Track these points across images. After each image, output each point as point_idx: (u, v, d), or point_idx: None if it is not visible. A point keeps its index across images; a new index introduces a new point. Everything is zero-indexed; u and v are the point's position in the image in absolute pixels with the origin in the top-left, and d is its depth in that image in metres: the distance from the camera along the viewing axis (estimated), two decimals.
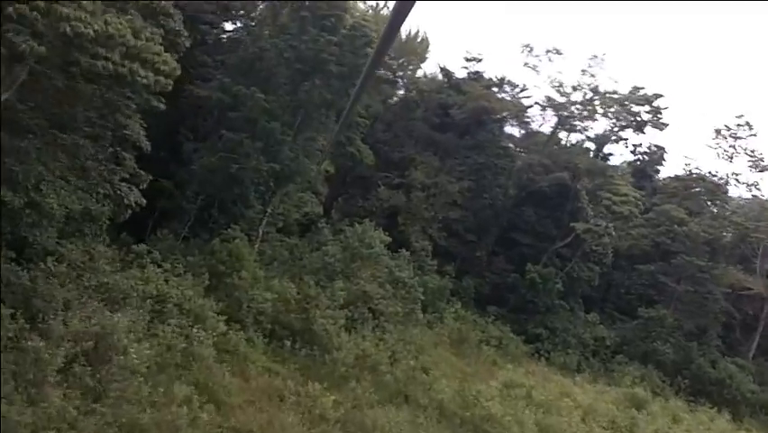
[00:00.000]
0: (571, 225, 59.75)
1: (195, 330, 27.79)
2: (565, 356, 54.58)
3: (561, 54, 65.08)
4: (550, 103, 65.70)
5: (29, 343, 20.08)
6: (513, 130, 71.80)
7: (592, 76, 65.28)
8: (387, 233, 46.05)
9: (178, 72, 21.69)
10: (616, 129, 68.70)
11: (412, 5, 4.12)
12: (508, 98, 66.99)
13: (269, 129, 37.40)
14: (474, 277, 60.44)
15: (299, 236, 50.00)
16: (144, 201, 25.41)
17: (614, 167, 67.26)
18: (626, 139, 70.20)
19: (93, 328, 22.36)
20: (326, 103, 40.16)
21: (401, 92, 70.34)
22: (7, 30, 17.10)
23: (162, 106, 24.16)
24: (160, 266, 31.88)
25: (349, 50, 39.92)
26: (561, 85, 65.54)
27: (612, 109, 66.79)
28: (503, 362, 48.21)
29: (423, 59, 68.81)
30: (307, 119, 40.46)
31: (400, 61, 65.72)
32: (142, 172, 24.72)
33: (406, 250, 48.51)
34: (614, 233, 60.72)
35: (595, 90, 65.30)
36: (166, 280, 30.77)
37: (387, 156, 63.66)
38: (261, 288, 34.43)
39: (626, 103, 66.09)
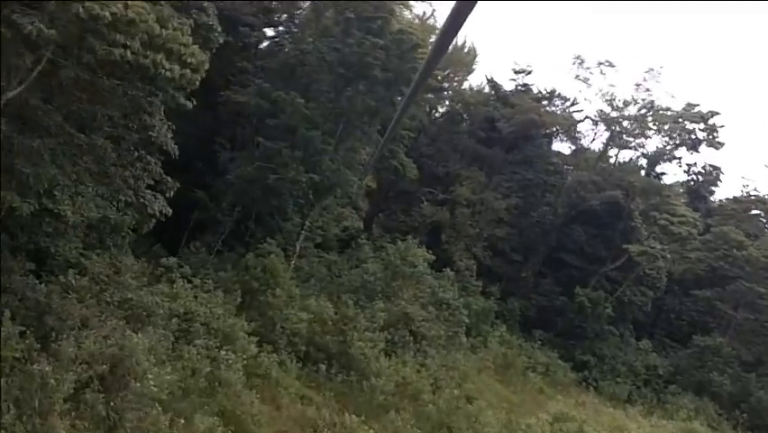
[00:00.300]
0: (625, 246, 56.79)
1: (223, 352, 25.55)
2: (615, 386, 51.90)
3: (613, 67, 62.47)
4: (603, 117, 62.81)
5: (35, 366, 17.92)
6: (561, 146, 69.33)
7: (647, 90, 62.61)
8: (429, 250, 43.68)
9: (207, 66, 19.35)
10: (669, 147, 65.70)
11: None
12: (558, 112, 64.37)
13: (308, 138, 35.21)
14: (519, 299, 57.79)
15: (338, 252, 47.84)
16: (170, 210, 23.03)
17: (669, 186, 63.93)
18: (679, 158, 67.05)
19: (109, 350, 20.20)
20: (370, 111, 37.84)
21: (446, 104, 67.94)
22: (13, 11, 15.10)
23: (190, 105, 21.75)
24: (189, 281, 29.81)
25: (395, 54, 37.58)
26: (613, 99, 62.86)
27: (666, 126, 63.90)
28: (550, 390, 45.91)
29: (470, 71, 66.39)
30: (350, 128, 38.20)
31: (446, 73, 63.23)
32: (169, 179, 22.35)
33: (450, 269, 46.09)
34: (669, 255, 57.78)
35: (650, 105, 62.42)
36: (195, 297, 28.68)
37: (430, 171, 61.41)
38: (297, 307, 32.17)
39: (680, 120, 63.23)
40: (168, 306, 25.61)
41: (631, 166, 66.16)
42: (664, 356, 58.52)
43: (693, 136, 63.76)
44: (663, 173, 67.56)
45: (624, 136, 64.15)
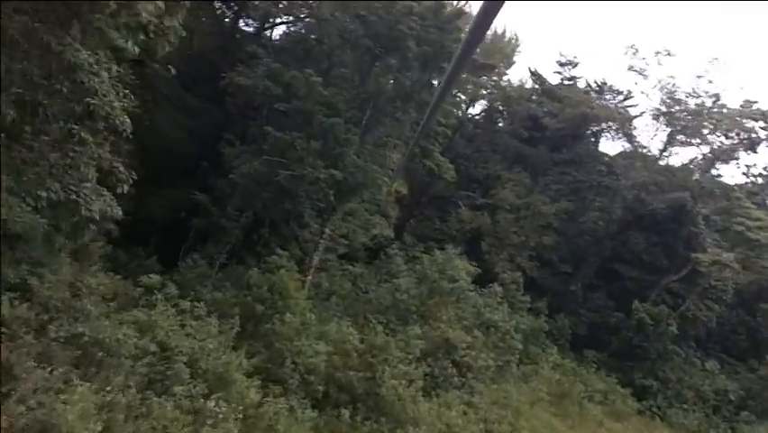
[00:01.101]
0: (694, 255, 49.81)
1: (212, 403, 19.16)
2: (683, 415, 45.71)
3: (672, 56, 55.71)
4: (666, 111, 55.81)
5: None
6: (613, 145, 62.74)
7: (710, 82, 55.92)
8: (473, 263, 37.16)
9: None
10: (725, 147, 58.71)
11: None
12: (611, 107, 57.56)
13: (328, 126, 28.53)
14: (568, 315, 51.02)
15: (365, 264, 41.53)
16: (119, 211, 16.26)
17: (739, 188, 56.96)
18: (737, 158, 59.80)
19: (31, 414, 13.92)
20: (403, 94, 30.84)
21: (485, 100, 61.34)
22: None
23: (136, 49, 15.05)
24: (175, 305, 23.37)
25: (432, 24, 30.68)
26: (674, 91, 55.99)
27: (723, 125, 57.11)
28: (610, 422, 40.15)
29: (510, 63, 59.76)
30: (378, 115, 31.19)
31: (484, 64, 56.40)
32: (122, 169, 15.50)
33: (497, 284, 39.60)
34: (737, 265, 50.93)
35: (716, 98, 55.58)
36: (181, 326, 22.27)
37: (468, 173, 55.31)
38: (312, 336, 25.58)
39: (738, 118, 56.89)
40: (134, 342, 19.13)
41: (690, 168, 59.13)
42: (735, 379, 51.70)
43: (753, 135, 57.35)
44: (720, 175, 60.75)
45: (686, 133, 57.08)
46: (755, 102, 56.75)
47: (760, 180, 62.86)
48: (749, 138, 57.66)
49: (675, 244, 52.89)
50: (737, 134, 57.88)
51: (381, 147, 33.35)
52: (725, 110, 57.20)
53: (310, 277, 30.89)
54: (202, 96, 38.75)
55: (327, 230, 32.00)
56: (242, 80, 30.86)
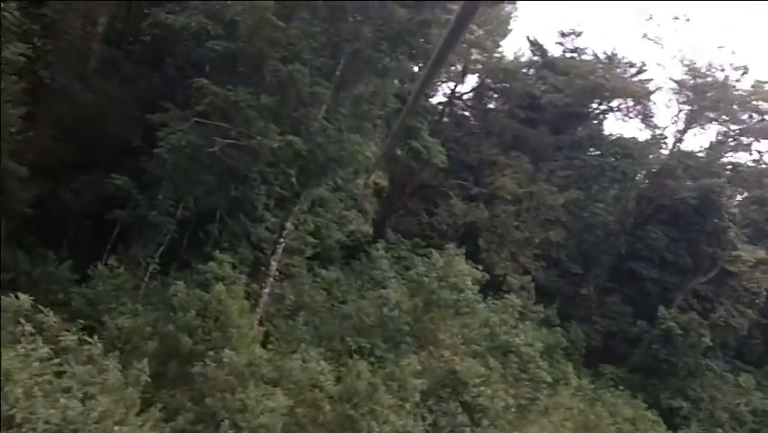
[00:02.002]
0: (734, 253, 42.72)
1: None
2: None
3: (690, 22, 49.18)
4: (689, 84, 48.29)
5: None
6: (621, 126, 55.44)
7: (733, 53, 49.20)
8: (477, 266, 29.03)
9: None
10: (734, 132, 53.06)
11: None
12: (624, 81, 49.99)
13: (285, 75, 19.85)
14: (580, 323, 43.45)
15: (342, 265, 33.53)
16: None
17: None
18: (749, 144, 53.75)
19: None
20: (391, 34, 22.01)
21: (476, 77, 53.46)
22: None
23: None
24: (53, 340, 14.89)
25: None
26: (695, 62, 48.99)
27: (734, 107, 51.58)
28: None
29: (505, 32, 51.59)
30: (357, 64, 22.27)
31: (477, 34, 48.02)
32: None
33: (500, 289, 32.01)
34: None
35: (744, 71, 48.84)
36: (57, 375, 13.89)
37: (458, 159, 48.09)
38: (265, 380, 17.07)
39: (748, 100, 51.18)
40: None
41: (711, 152, 51.85)
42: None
43: (765, 117, 52.11)
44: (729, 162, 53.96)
45: (712, 110, 49.90)
46: (766, 82, 50.75)
47: None
48: (762, 120, 52.16)
49: (700, 239, 46.17)
50: (750, 117, 52.49)
51: (361, 117, 24.54)
52: (736, 92, 50.75)
53: (267, 289, 22.44)
54: (138, 60, 30.60)
55: (289, 224, 23.26)
56: (170, 19, 22.23)
